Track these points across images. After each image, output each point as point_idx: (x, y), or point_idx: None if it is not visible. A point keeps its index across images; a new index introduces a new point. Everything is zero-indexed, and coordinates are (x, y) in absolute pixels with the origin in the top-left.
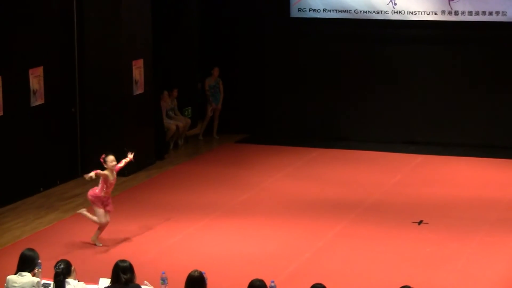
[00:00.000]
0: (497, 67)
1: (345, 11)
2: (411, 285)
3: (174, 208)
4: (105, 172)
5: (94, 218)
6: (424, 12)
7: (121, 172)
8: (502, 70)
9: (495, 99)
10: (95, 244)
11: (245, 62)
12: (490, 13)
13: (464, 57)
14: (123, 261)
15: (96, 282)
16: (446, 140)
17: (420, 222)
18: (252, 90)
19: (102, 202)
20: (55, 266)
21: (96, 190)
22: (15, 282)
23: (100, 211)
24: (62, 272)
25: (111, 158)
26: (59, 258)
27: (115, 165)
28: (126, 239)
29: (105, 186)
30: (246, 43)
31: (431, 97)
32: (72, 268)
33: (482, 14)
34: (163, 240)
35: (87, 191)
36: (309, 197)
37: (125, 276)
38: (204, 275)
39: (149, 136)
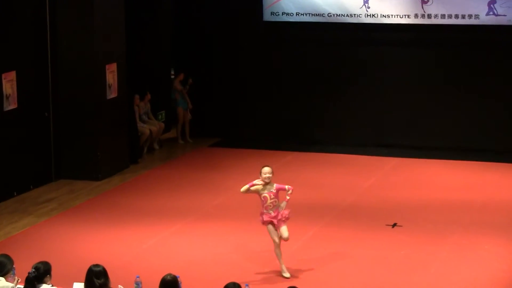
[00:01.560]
0: (470, 70)
1: (318, 15)
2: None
3: (148, 212)
4: (258, 185)
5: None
6: (397, 15)
7: (95, 176)
8: (476, 73)
9: (469, 101)
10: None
11: (218, 65)
12: (463, 16)
13: (437, 60)
14: (97, 265)
15: (70, 286)
16: (420, 143)
17: (394, 225)
18: (225, 93)
19: (270, 220)
20: (31, 269)
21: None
22: None
23: (269, 227)
24: (34, 277)
25: (265, 170)
26: (33, 263)
27: (269, 177)
28: (100, 243)
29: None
30: (219, 47)
31: (405, 100)
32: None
33: (455, 17)
34: (137, 244)
35: (61, 195)
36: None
37: (98, 281)
38: (178, 279)
39: (123, 140)
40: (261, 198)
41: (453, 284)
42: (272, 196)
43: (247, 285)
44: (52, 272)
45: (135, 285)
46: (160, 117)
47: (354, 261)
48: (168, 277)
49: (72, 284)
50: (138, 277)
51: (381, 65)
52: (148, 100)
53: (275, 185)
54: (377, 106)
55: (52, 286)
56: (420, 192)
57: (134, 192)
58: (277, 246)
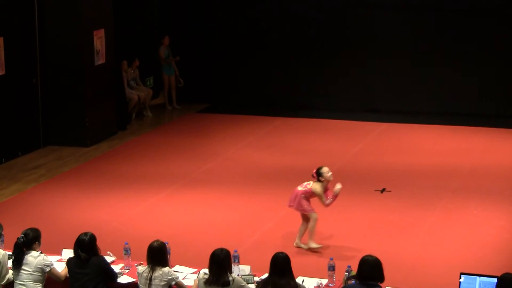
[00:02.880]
0: (458, 36)
1: None
2: (373, 253)
3: (137, 178)
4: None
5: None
6: None
7: (83, 143)
8: (464, 39)
9: (457, 67)
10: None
11: (204, 30)
12: None
13: (426, 25)
14: (85, 234)
15: (59, 253)
16: (409, 108)
17: (383, 190)
18: (213, 58)
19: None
20: (20, 235)
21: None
22: None
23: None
24: (23, 243)
25: (326, 169)
26: (22, 230)
27: (332, 175)
28: (88, 210)
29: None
30: (206, 12)
31: (393, 65)
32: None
33: None
34: (126, 210)
35: (49, 162)
36: (271, 166)
37: (83, 254)
38: (166, 245)
39: (111, 106)
40: (320, 196)
41: (441, 248)
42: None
43: (236, 251)
44: (41, 239)
45: (124, 251)
46: (148, 83)
47: (343, 226)
48: (156, 244)
49: (61, 250)
50: (127, 243)
51: (369, 30)
52: (136, 66)
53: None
54: (365, 72)
55: (41, 252)
56: (408, 157)
57: (122, 159)
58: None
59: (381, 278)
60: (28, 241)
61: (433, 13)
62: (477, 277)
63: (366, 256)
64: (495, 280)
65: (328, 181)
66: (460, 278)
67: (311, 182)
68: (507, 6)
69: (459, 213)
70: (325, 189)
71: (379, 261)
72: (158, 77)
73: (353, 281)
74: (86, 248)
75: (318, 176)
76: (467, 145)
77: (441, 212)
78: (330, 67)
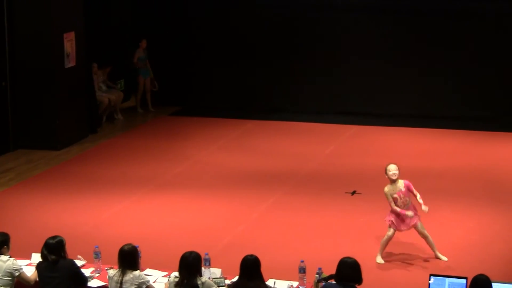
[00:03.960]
0: (429, 38)
1: None
2: (344, 255)
3: (108, 181)
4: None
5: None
6: None
7: (54, 146)
8: (434, 41)
9: (428, 69)
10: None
11: (177, 33)
12: None
13: (396, 27)
14: (54, 237)
15: (28, 257)
16: (380, 110)
17: (354, 193)
18: (184, 61)
19: (402, 221)
20: None
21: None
22: None
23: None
24: None
25: (391, 167)
26: None
27: (395, 174)
28: (58, 214)
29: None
30: (176, 15)
31: (364, 67)
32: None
33: None
34: (97, 214)
35: (19, 165)
36: (243, 168)
37: (51, 256)
38: (137, 248)
39: (81, 109)
40: (389, 201)
41: (411, 250)
42: (402, 196)
43: (207, 254)
44: (11, 243)
45: (94, 255)
46: (119, 85)
47: (314, 228)
48: (127, 247)
49: (31, 255)
50: (97, 247)
51: (340, 32)
52: (107, 70)
53: (403, 182)
54: (336, 74)
55: (10, 257)
56: (379, 159)
57: (93, 162)
58: (389, 238)
59: (359, 280)
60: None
61: (405, 15)
62: (446, 278)
63: (345, 258)
64: (464, 281)
65: (390, 179)
66: (429, 279)
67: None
68: (477, 9)
69: (429, 214)
70: (404, 192)
71: (357, 263)
72: (129, 80)
73: (323, 283)
74: (54, 251)
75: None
76: (437, 148)
77: None
78: (301, 70)
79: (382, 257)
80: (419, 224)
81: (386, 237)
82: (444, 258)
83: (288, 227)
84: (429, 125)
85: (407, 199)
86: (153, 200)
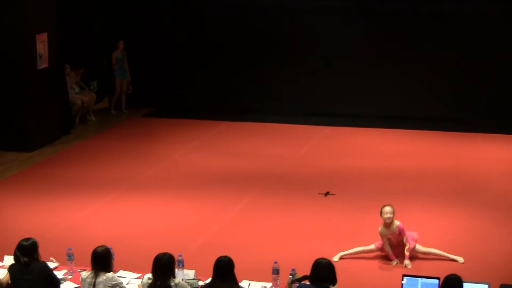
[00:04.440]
0: (403, 39)
1: None
2: (317, 256)
3: (81, 183)
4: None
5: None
6: None
7: (26, 148)
8: (407, 42)
9: (400, 70)
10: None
11: (150, 35)
12: None
13: (370, 29)
14: (27, 239)
15: (1, 259)
16: (353, 111)
17: (327, 194)
18: (158, 63)
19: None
20: None
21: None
22: None
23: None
24: None
25: (386, 209)
26: None
27: (389, 218)
28: (31, 215)
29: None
30: (150, 16)
31: (338, 68)
32: None
33: None
34: (70, 215)
35: None
36: (217, 170)
37: (24, 258)
38: (110, 250)
39: (54, 110)
40: (383, 240)
41: (384, 250)
42: (396, 236)
43: (180, 255)
44: None
45: (67, 257)
46: (92, 87)
47: (287, 229)
48: (100, 249)
49: (3, 257)
50: (69, 249)
51: (313, 34)
52: (80, 71)
53: (397, 225)
54: (310, 75)
55: None
56: (353, 160)
57: (66, 163)
58: (365, 251)
59: (334, 281)
60: None
61: (379, 17)
62: (419, 279)
63: (319, 258)
64: (437, 281)
65: (384, 221)
66: (402, 279)
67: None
68: (451, 11)
69: (403, 215)
70: (397, 234)
71: (332, 264)
72: (102, 81)
73: (297, 284)
74: (27, 253)
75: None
76: (411, 148)
77: None
78: (274, 71)
79: (340, 258)
80: (417, 246)
81: (364, 248)
82: (460, 259)
83: (261, 228)
84: (403, 126)
85: (402, 238)
86: (126, 201)
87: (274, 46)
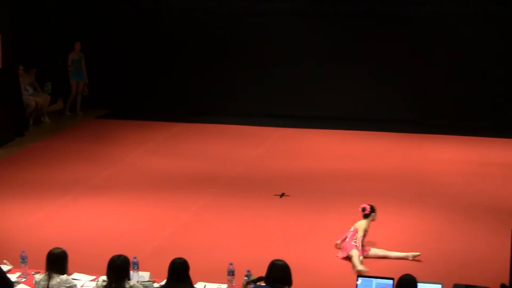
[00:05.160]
0: (356, 41)
1: None
2: (273, 257)
3: (35, 185)
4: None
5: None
6: None
7: None
8: (361, 44)
9: (355, 72)
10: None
11: (104, 36)
12: None
13: (324, 31)
14: None
15: None
16: (308, 113)
17: (282, 195)
18: (113, 64)
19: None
20: None
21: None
22: None
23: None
24: None
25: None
26: None
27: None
28: None
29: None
30: (104, 19)
31: (292, 70)
32: None
33: None
34: (24, 218)
35: None
36: (172, 171)
37: None
38: (65, 252)
39: (8, 112)
40: (364, 235)
41: (339, 251)
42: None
43: (135, 257)
44: None
45: (20, 259)
46: (46, 88)
47: (243, 231)
48: (55, 251)
49: None
50: (23, 251)
51: (268, 36)
52: (33, 72)
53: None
54: (264, 77)
55: None
56: (308, 161)
57: (20, 165)
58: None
59: (290, 282)
60: None
61: (334, 19)
62: (374, 279)
63: (275, 260)
64: (391, 281)
65: (372, 220)
66: (357, 280)
67: (354, 225)
68: (408, 13)
69: (357, 216)
70: None
71: (287, 266)
72: (57, 83)
73: (252, 286)
74: None
75: (371, 212)
76: (366, 150)
77: (339, 215)
78: (229, 73)
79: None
80: (371, 250)
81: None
82: (416, 253)
83: (216, 230)
84: (356, 127)
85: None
86: (81, 203)
87: (231, 48)
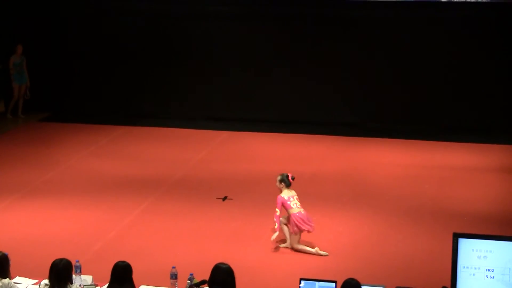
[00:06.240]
0: (303, 44)
1: None
2: (216, 260)
3: None
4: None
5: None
6: None
7: None
8: (308, 47)
9: (299, 75)
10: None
11: (48, 39)
12: None
13: (264, 33)
14: None
15: None
16: (251, 116)
17: (225, 198)
18: (56, 67)
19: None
20: None
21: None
22: None
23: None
24: None
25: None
26: None
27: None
28: None
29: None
30: (49, 21)
31: (235, 73)
32: None
33: None
34: None
35: None
36: (114, 175)
37: None
38: (7, 256)
39: None
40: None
41: (282, 254)
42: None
43: (77, 261)
44: None
45: None
46: None
47: (185, 234)
48: None
49: None
50: None
51: (211, 39)
52: None
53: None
54: (207, 80)
55: None
56: (251, 165)
57: None
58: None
59: (233, 286)
60: None
61: (276, 22)
62: (316, 282)
63: (219, 263)
64: (334, 284)
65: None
66: (300, 283)
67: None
68: (347, 14)
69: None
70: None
71: (231, 269)
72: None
73: None
74: None
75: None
76: (306, 152)
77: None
78: (173, 77)
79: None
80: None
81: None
82: (324, 253)
83: (159, 233)
84: (298, 130)
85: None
86: (22, 207)
87: (175, 51)
